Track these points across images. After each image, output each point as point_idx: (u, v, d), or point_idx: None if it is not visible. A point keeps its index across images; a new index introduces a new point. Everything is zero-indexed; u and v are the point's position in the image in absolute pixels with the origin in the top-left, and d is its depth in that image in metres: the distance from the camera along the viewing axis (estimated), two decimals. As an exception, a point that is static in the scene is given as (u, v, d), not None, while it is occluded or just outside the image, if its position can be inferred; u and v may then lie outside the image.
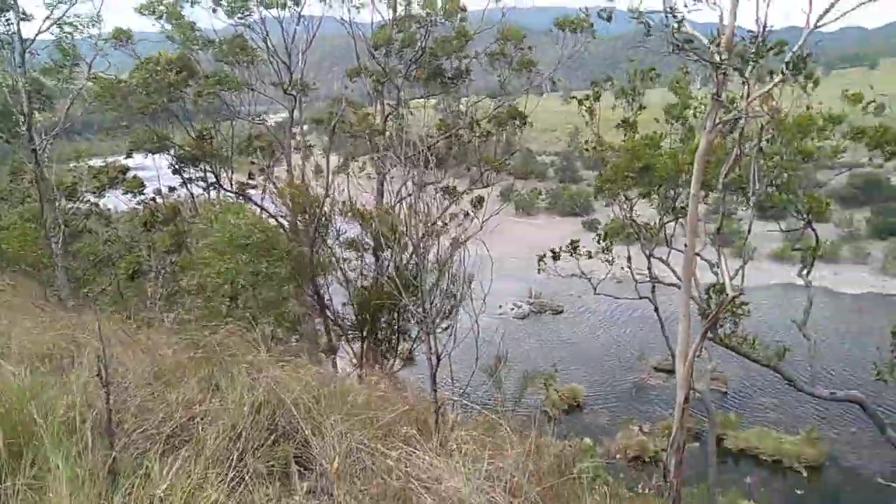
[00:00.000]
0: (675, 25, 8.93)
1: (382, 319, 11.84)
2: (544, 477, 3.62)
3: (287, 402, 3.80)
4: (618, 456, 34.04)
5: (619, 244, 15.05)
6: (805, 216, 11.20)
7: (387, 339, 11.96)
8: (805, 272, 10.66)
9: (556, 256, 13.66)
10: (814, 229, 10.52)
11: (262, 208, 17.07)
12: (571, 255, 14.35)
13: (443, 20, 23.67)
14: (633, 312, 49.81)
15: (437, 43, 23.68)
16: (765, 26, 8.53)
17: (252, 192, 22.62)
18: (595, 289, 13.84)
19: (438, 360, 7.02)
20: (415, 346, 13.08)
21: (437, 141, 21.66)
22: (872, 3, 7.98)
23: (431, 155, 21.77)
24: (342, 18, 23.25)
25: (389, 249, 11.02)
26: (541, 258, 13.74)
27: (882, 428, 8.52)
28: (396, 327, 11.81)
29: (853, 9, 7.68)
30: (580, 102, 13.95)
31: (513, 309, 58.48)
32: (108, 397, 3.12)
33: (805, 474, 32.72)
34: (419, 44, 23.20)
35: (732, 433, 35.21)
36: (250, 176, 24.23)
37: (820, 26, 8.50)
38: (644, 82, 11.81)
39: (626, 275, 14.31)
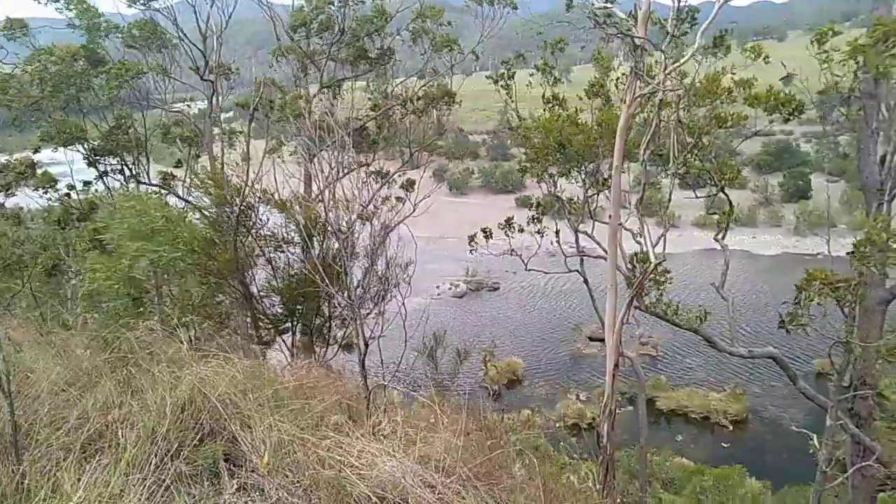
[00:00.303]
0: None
1: (311, 308, 11.59)
2: (476, 454, 3.67)
3: (212, 400, 3.69)
4: (558, 424, 35.10)
5: (549, 219, 15.31)
6: (718, 183, 11.65)
7: (318, 328, 11.75)
8: (721, 237, 11.12)
9: (487, 235, 13.76)
10: (727, 195, 10.95)
11: (186, 200, 16.43)
12: (505, 232, 14.46)
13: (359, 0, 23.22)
14: (567, 285, 51.16)
15: (358, 22, 23.22)
16: (679, 1, 8.78)
17: (176, 183, 21.72)
18: (526, 265, 14.05)
19: (366, 345, 6.98)
20: (348, 332, 12.98)
21: (365, 123, 21.36)
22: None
23: (361, 137, 21.48)
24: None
25: (315, 237, 10.80)
26: (472, 238, 13.81)
27: (794, 379, 9.08)
28: (328, 314, 11.61)
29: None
30: (495, 82, 13.98)
31: (450, 289, 58.92)
32: (11, 409, 2.93)
33: (731, 428, 34.76)
34: (338, 24, 22.69)
35: (664, 394, 36.90)
36: (177, 165, 23.25)
37: (729, 0, 8.80)
38: (555, 55, 11.89)
39: (559, 249, 14.64)
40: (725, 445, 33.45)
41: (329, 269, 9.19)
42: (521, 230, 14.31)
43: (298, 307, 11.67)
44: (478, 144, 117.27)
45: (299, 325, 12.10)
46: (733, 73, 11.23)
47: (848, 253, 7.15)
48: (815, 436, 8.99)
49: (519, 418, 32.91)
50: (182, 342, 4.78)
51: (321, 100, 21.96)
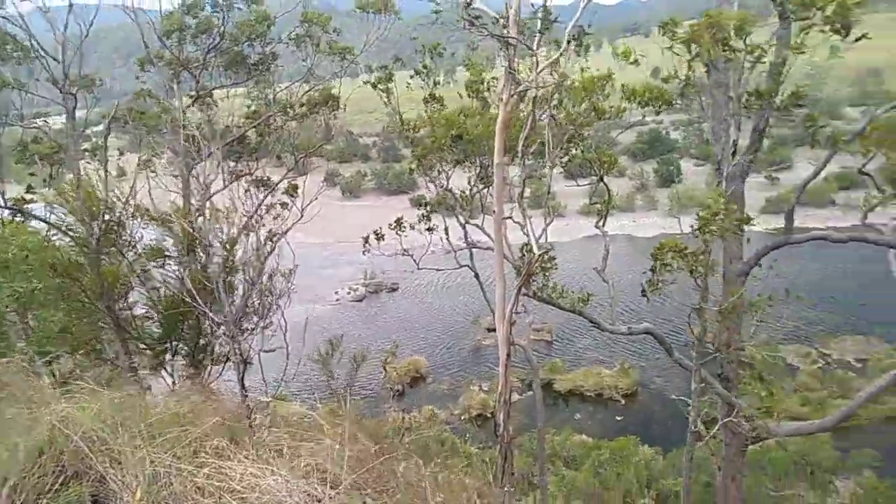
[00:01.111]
0: (465, 2, 9.24)
1: (189, 328, 11.00)
2: (365, 460, 3.66)
3: (76, 439, 3.44)
4: (463, 417, 35.73)
5: (439, 216, 15.48)
6: (598, 172, 12.25)
7: (202, 348, 11.18)
8: (601, 223, 11.71)
9: (379, 236, 13.72)
10: (605, 183, 11.55)
11: (47, 222, 15.12)
12: (396, 232, 14.46)
13: (240, 5, 22.33)
14: (465, 279, 52.07)
15: (238, 27, 22.29)
16: (546, 2, 9.14)
17: (34, 205, 19.87)
18: (418, 264, 14.17)
19: (245, 362, 6.76)
20: (236, 349, 12.45)
21: (246, 131, 20.61)
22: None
23: (241, 146, 20.70)
24: (123, 5, 21.00)
25: (194, 253, 10.29)
26: (365, 240, 13.72)
27: (669, 351, 9.77)
28: (211, 333, 11.06)
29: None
30: (374, 86, 13.98)
31: (349, 293, 58.25)
32: None
33: (623, 402, 36.91)
34: (217, 29, 21.69)
35: (561, 377, 38.54)
36: (29, 189, 21.28)
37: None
38: (434, 59, 12.11)
39: (455, 244, 14.89)
40: (619, 419, 35.42)
41: (208, 284, 8.80)
42: (412, 227, 14.39)
43: (179, 327, 11.06)
44: (368, 147, 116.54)
45: (181, 346, 11.46)
46: (603, 70, 11.83)
47: (693, 229, 7.81)
48: (689, 402, 9.72)
49: (422, 415, 33.15)
50: (47, 377, 4.42)
51: (196, 110, 20.97)
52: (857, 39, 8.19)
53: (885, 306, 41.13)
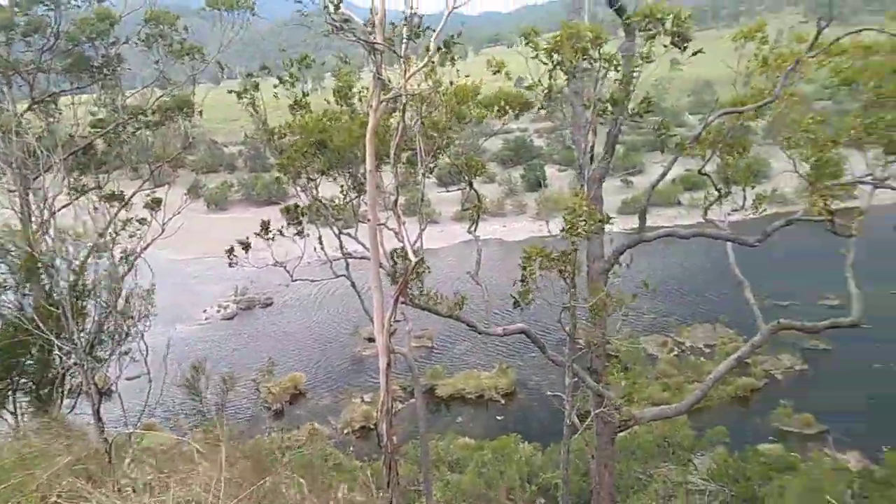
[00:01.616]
0: (333, 6, 9.10)
1: (34, 360, 9.80)
2: (242, 485, 3.45)
3: None
4: (346, 431, 35.11)
5: (313, 226, 15.08)
6: (467, 179, 12.51)
7: (45, 382, 9.98)
8: (473, 228, 11.96)
9: (245, 246, 13.06)
10: (475, 189, 11.81)
11: None
12: (264, 239, 13.82)
13: (77, 1, 20.50)
14: (342, 290, 51.27)
15: (78, 26, 20.41)
16: (412, 7, 9.20)
17: None
18: (292, 276, 13.72)
19: (101, 394, 6.21)
20: (85, 380, 11.31)
21: (92, 140, 18.99)
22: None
23: (87, 157, 19.02)
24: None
25: (34, 278, 9.24)
26: (230, 251, 13.02)
27: (543, 349, 10.19)
28: (60, 364, 9.89)
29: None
30: (239, 96, 13.42)
31: (219, 311, 55.39)
32: None
33: (503, 402, 38.04)
34: (51, 28, 19.77)
35: (442, 382, 39.03)
36: None
37: (458, 7, 9.45)
38: (302, 69, 11.84)
39: (331, 255, 14.55)
40: (500, 418, 36.44)
41: (54, 311, 7.96)
42: (281, 233, 13.86)
43: (20, 361, 9.80)
44: (234, 156, 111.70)
45: (24, 382, 10.18)
46: (471, 79, 12.09)
47: (561, 229, 8.25)
48: (564, 396, 10.19)
49: (303, 433, 32.21)
50: None
51: (34, 117, 19.05)
52: (693, 54, 9.04)
53: (726, 295, 45.62)
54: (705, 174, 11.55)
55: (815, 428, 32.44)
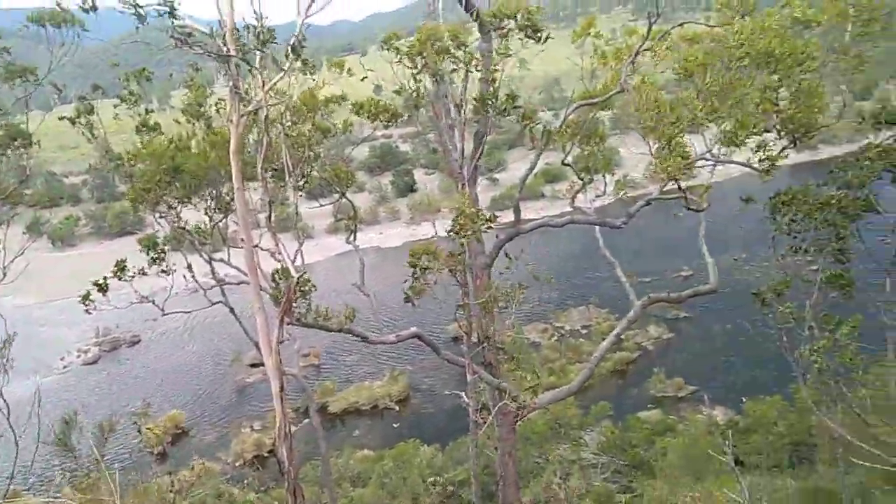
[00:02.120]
0: (173, 17, 8.55)
1: None
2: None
3: None
4: (238, 463, 33.37)
5: (178, 253, 14.11)
6: (338, 189, 12.29)
7: None
8: (352, 239, 11.78)
9: (102, 288, 11.86)
10: (348, 199, 11.62)
11: None
12: (121, 279, 12.65)
13: None
14: (218, 317, 48.63)
15: None
16: (260, 17, 8.85)
17: None
18: (162, 310, 12.78)
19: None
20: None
21: None
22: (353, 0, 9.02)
23: None
24: None
25: None
26: (84, 297, 11.78)
27: (437, 351, 10.23)
28: None
29: (329, 2, 8.55)
30: (72, 122, 12.30)
31: (79, 356, 50.62)
32: None
33: (398, 409, 37.87)
34: None
35: (333, 398, 38.18)
36: None
37: (310, 15, 9.22)
38: (140, 85, 11.02)
39: (204, 282, 13.69)
40: (396, 426, 36.27)
41: None
42: (143, 272, 12.80)
43: None
44: (77, 186, 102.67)
45: None
46: (322, 84, 11.87)
47: (448, 231, 8.33)
48: (463, 394, 10.29)
49: (193, 473, 30.20)
50: None
51: None
52: (543, 41, 9.46)
53: (594, 278, 48.50)
54: (568, 164, 12.15)
55: (686, 390, 35.27)
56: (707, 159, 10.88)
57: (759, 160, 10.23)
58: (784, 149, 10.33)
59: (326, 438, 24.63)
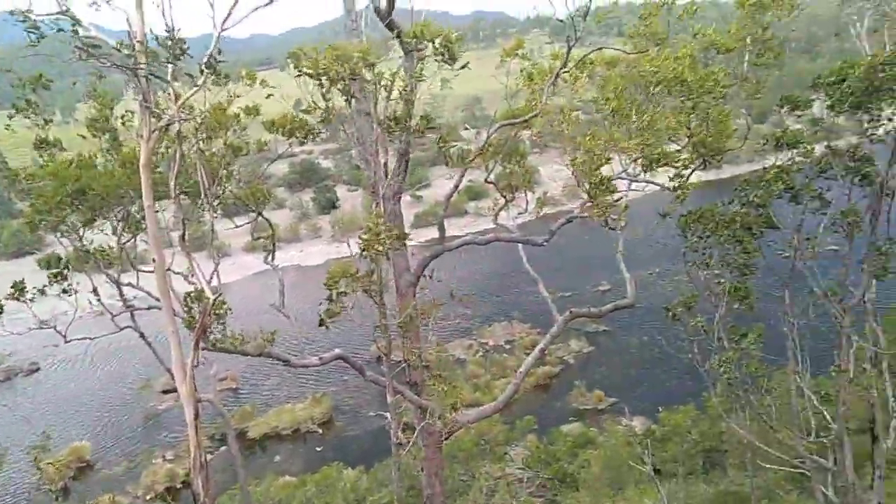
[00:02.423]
0: (74, 28, 8.05)
1: None
2: None
3: None
4: (148, 496, 31.46)
5: (82, 276, 13.21)
6: (254, 207, 11.90)
7: None
8: (270, 258, 11.41)
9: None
10: (266, 218, 11.25)
11: None
12: (19, 299, 11.75)
13: None
14: (126, 342, 45.93)
15: None
16: (173, 29, 8.48)
17: None
18: (65, 336, 11.90)
19: None
20: None
21: None
22: (273, 14, 8.78)
23: None
24: None
25: None
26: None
27: (362, 372, 10.02)
28: None
29: (246, 16, 8.30)
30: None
31: (-33, 387, 46.56)
32: None
33: (320, 431, 36.88)
34: None
35: (253, 422, 36.77)
36: None
37: (226, 29, 8.91)
38: (37, 93, 10.28)
39: (111, 305, 12.84)
40: (319, 449, 35.31)
41: None
42: (42, 292, 11.88)
43: None
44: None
45: None
46: (234, 97, 11.44)
47: (360, 249, 8.18)
48: (388, 415, 10.09)
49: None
50: None
51: None
52: (461, 67, 9.57)
53: (517, 293, 49.32)
54: (491, 182, 12.29)
55: (606, 402, 36.29)
56: (624, 178, 11.27)
57: (672, 181, 10.71)
58: (694, 170, 10.86)
59: (245, 466, 23.68)
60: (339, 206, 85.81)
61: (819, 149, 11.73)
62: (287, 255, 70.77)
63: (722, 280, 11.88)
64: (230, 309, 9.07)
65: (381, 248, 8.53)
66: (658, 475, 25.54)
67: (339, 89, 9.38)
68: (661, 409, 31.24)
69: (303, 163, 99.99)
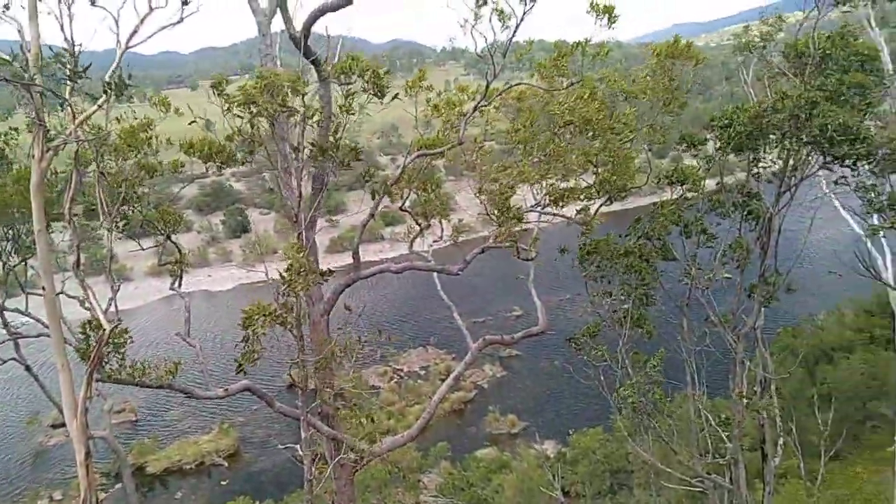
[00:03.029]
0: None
1: None
2: None
3: None
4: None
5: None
6: (162, 231, 11.38)
7: None
8: (177, 284, 10.93)
9: None
10: (174, 242, 10.78)
11: None
12: None
13: None
14: (9, 373, 42.32)
15: None
16: (73, 44, 8.07)
17: None
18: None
19: None
20: None
21: None
22: (184, 32, 8.52)
23: None
24: None
25: None
26: None
27: (270, 403, 9.69)
28: None
29: (154, 33, 8.02)
30: None
31: None
32: None
33: (226, 464, 35.19)
34: None
35: (153, 457, 34.64)
36: None
37: (131, 46, 8.57)
38: None
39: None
40: (225, 483, 33.69)
41: None
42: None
43: None
44: None
45: None
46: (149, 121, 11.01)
47: (281, 282, 7.99)
48: (298, 447, 9.78)
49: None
50: None
51: None
52: (391, 99, 9.66)
53: (433, 319, 49.44)
54: (406, 210, 12.35)
55: (519, 426, 36.81)
56: (534, 211, 11.64)
57: (578, 214, 11.19)
58: (601, 205, 11.40)
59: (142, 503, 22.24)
60: (251, 230, 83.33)
61: (712, 184, 12.61)
62: (195, 280, 67.88)
63: (624, 308, 12.43)
64: (131, 338, 8.58)
65: (304, 287, 8.38)
66: (567, 497, 26.11)
67: (263, 116, 9.19)
68: (571, 432, 32.05)
69: (213, 185, 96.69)
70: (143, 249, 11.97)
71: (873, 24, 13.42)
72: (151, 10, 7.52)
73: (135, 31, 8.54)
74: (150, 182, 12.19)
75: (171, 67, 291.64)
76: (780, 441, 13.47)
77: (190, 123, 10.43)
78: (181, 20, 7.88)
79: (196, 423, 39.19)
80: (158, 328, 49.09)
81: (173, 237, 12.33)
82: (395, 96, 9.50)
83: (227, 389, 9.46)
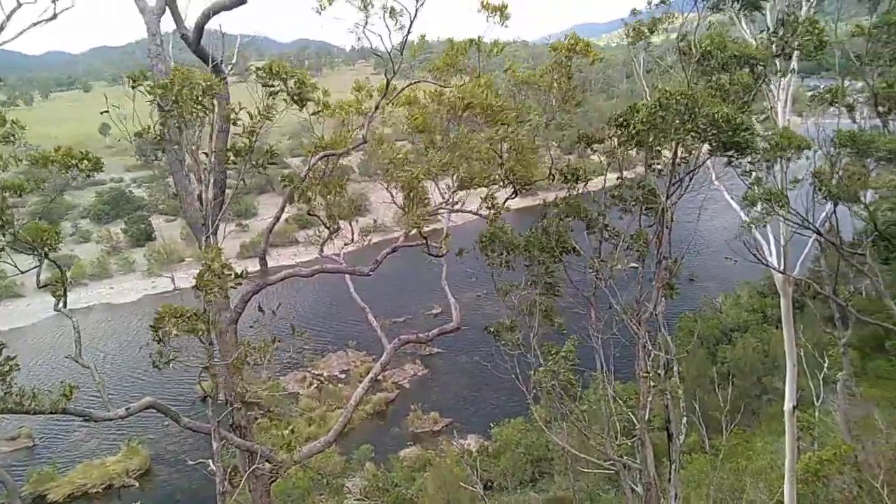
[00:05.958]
0: None
1: None
2: None
3: None
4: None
5: None
6: (38, 250, 10.37)
7: None
8: (62, 305, 10.03)
9: None
10: (52, 260, 9.81)
11: None
12: None
13: None
14: None
15: None
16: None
17: None
18: None
19: None
20: None
21: None
22: (73, 31, 7.98)
23: None
24: None
25: None
26: None
27: (177, 420, 9.24)
28: None
29: (24, 30, 7.48)
30: None
31: None
32: None
33: (137, 484, 33.36)
34: None
35: (54, 483, 32.35)
36: None
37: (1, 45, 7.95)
38: None
39: None
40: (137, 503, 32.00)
41: None
42: None
43: None
44: None
45: None
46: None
47: (193, 286, 7.67)
48: (210, 461, 9.41)
49: None
50: None
51: None
52: (317, 113, 9.54)
53: (352, 321, 48.89)
54: (314, 214, 12.15)
55: (442, 423, 37.06)
56: (444, 209, 11.75)
57: (486, 208, 11.39)
58: (508, 199, 11.65)
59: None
60: (155, 238, 79.37)
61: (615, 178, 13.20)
62: (94, 293, 63.97)
63: (534, 300, 12.81)
64: (17, 365, 7.94)
65: (222, 288, 8.07)
66: (491, 489, 26.55)
67: (178, 114, 8.76)
68: (492, 425, 32.60)
69: (111, 191, 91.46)
70: (22, 273, 11.05)
71: (743, 23, 14.50)
72: (19, 4, 7.01)
73: (1, 28, 7.91)
74: (28, 194, 11.34)
75: (60, 68, 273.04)
76: (685, 419, 14.24)
77: (103, 112, 9.71)
78: (54, 16, 7.41)
79: (102, 443, 36.97)
80: (52, 346, 45.92)
81: (64, 249, 11.56)
82: (319, 112, 9.39)
83: (128, 409, 8.92)
